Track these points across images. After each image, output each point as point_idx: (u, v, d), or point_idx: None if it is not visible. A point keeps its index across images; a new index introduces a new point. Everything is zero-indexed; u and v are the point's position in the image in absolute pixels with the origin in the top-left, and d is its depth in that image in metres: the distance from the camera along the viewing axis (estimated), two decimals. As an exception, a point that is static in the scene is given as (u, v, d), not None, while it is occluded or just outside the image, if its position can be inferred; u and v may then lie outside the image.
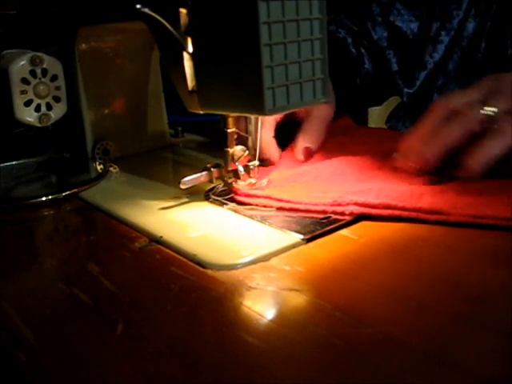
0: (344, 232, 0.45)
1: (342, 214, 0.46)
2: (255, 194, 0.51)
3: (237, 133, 0.53)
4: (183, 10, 0.48)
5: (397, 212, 0.45)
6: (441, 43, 0.78)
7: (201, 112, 0.51)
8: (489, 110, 0.46)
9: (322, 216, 0.47)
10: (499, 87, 0.48)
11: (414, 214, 0.45)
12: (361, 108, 0.93)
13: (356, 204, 0.47)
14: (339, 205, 0.47)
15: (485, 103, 0.47)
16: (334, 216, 0.46)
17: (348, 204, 0.47)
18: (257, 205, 0.50)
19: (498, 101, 0.47)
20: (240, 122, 0.53)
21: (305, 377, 0.28)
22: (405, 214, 0.45)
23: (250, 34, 0.42)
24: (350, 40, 0.85)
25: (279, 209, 0.49)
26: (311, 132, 0.61)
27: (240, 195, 0.51)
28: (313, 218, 0.47)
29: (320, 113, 0.62)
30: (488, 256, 0.40)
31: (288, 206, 0.49)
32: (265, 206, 0.49)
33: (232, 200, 0.52)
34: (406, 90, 0.82)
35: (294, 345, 0.31)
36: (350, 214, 0.46)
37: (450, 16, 0.76)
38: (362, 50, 0.84)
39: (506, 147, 0.46)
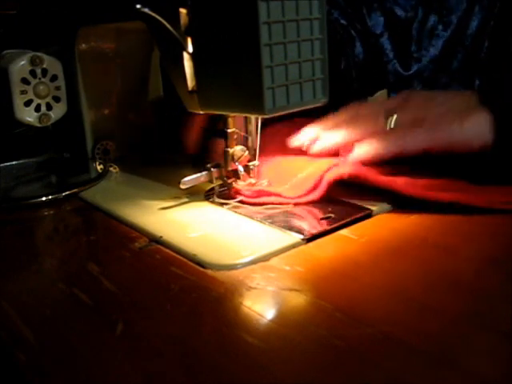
0: (344, 232, 0.45)
1: (341, 176, 0.48)
2: (264, 192, 0.51)
3: (236, 133, 0.53)
4: (183, 10, 0.48)
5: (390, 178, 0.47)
6: (438, 37, 0.77)
7: (201, 112, 0.51)
8: (390, 118, 0.50)
9: (322, 216, 0.47)
10: (408, 100, 0.51)
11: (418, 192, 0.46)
12: (350, 96, 0.93)
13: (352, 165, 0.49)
14: (336, 165, 0.49)
15: (389, 113, 0.50)
16: (333, 214, 0.47)
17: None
18: (272, 203, 0.50)
19: (402, 112, 0.50)
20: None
21: (305, 377, 0.28)
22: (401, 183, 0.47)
23: (250, 34, 0.42)
24: (343, 21, 0.84)
25: (296, 204, 0.49)
26: None
27: (251, 196, 0.51)
28: (313, 217, 0.47)
29: None
30: (488, 256, 0.40)
31: (303, 200, 0.49)
32: (281, 204, 0.50)
33: (238, 201, 0.51)
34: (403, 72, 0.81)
35: (294, 345, 0.31)
36: (349, 175, 0.48)
37: (449, 11, 0.76)
38: (354, 33, 0.83)
39: (392, 150, 0.48)
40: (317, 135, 0.54)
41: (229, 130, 0.52)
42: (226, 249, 0.43)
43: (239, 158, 0.53)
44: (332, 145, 0.52)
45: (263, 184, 0.53)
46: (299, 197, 0.50)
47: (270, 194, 0.51)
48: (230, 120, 0.52)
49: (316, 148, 0.53)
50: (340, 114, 0.55)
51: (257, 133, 0.54)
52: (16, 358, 0.32)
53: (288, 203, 0.50)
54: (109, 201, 0.55)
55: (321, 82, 0.47)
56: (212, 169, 0.53)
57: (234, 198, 0.52)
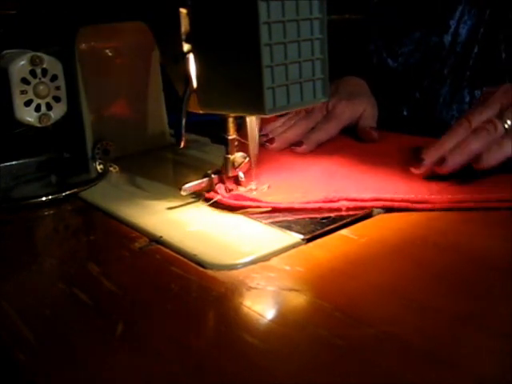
0: (344, 232, 0.45)
1: (339, 209, 0.48)
2: (242, 196, 0.51)
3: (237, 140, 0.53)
4: (183, 10, 0.48)
5: (388, 203, 0.48)
6: (442, 51, 0.77)
7: (201, 112, 0.51)
8: (507, 123, 0.51)
9: (319, 215, 0.47)
10: (510, 101, 0.53)
11: (403, 204, 0.48)
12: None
13: (347, 200, 0.48)
14: (331, 201, 0.48)
15: (502, 117, 0.52)
16: (333, 214, 0.47)
17: (339, 200, 0.48)
18: (250, 206, 0.49)
19: None
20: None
21: (305, 377, 0.28)
22: (395, 204, 0.48)
23: (250, 34, 0.42)
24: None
25: (274, 209, 0.49)
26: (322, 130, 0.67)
27: (229, 198, 0.51)
28: (313, 218, 0.47)
29: (338, 112, 0.68)
30: (487, 256, 0.40)
31: (282, 206, 0.49)
32: (259, 207, 0.49)
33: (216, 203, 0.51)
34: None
35: (293, 345, 0.31)
36: (347, 209, 0.48)
37: (448, 27, 0.76)
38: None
39: None
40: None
41: (229, 137, 0.52)
42: (227, 249, 0.43)
43: (239, 164, 0.53)
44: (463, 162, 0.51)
45: (263, 189, 0.53)
46: (278, 203, 0.49)
47: (247, 199, 0.50)
48: (231, 126, 0.52)
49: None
50: (456, 129, 0.54)
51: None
52: (16, 358, 0.32)
53: (266, 206, 0.49)
54: (109, 201, 0.55)
55: (321, 82, 0.47)
56: (213, 175, 0.53)
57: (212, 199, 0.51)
